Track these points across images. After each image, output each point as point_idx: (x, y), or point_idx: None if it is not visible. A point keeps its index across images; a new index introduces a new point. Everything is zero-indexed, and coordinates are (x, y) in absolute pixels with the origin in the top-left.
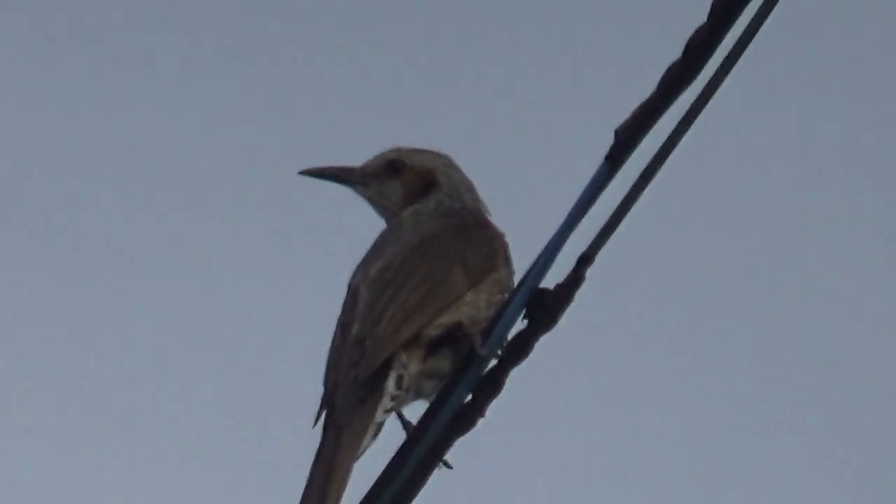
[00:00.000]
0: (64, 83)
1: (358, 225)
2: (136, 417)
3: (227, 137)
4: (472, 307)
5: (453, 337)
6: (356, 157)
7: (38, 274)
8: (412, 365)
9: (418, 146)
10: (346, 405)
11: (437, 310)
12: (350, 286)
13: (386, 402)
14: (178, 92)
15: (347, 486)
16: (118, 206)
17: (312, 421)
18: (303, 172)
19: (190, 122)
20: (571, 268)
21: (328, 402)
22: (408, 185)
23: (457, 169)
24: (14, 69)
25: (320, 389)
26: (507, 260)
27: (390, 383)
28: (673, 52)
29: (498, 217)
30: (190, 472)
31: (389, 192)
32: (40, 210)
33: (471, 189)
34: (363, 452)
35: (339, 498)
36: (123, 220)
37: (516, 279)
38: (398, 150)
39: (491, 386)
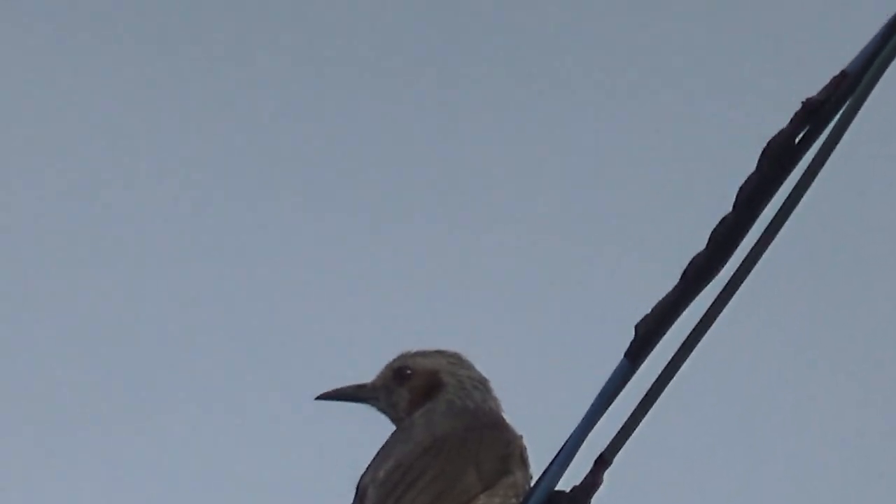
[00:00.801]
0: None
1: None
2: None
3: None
4: None
5: None
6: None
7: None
8: None
9: (425, 348)
10: None
11: None
12: (358, 487)
13: None
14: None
15: None
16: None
17: None
18: (319, 398)
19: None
20: (588, 469)
21: None
22: (414, 389)
23: (466, 366)
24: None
25: None
26: (523, 462)
27: None
28: (697, 243)
29: (513, 414)
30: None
31: (398, 400)
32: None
33: (482, 385)
34: None
35: None
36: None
37: (532, 480)
38: (402, 357)
39: None
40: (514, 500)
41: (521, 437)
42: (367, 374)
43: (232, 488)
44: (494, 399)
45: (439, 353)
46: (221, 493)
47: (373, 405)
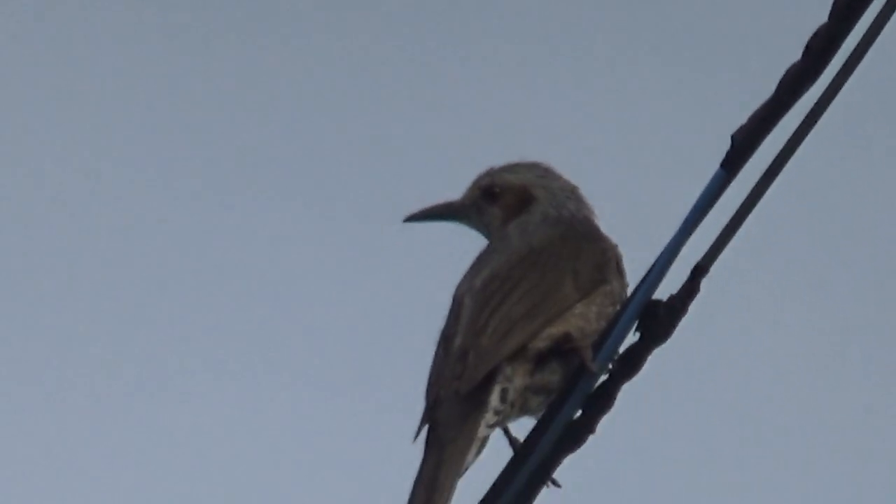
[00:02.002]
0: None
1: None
2: (239, 428)
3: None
4: (582, 319)
5: (562, 350)
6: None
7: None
8: (517, 378)
9: (510, 162)
10: (449, 420)
11: (545, 321)
12: (455, 297)
13: (489, 417)
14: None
15: (451, 502)
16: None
17: (413, 435)
18: (407, 219)
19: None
20: (686, 278)
21: (430, 416)
22: (506, 206)
23: (555, 177)
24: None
25: (422, 403)
26: (619, 271)
27: (494, 397)
28: (793, 53)
29: (610, 226)
30: (291, 488)
31: (491, 219)
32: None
33: (574, 194)
34: (467, 469)
35: None
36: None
37: (629, 289)
38: (490, 174)
39: (602, 401)
40: (611, 309)
41: (616, 245)
42: (451, 193)
43: None
44: (588, 207)
45: (526, 166)
46: None
47: (464, 223)
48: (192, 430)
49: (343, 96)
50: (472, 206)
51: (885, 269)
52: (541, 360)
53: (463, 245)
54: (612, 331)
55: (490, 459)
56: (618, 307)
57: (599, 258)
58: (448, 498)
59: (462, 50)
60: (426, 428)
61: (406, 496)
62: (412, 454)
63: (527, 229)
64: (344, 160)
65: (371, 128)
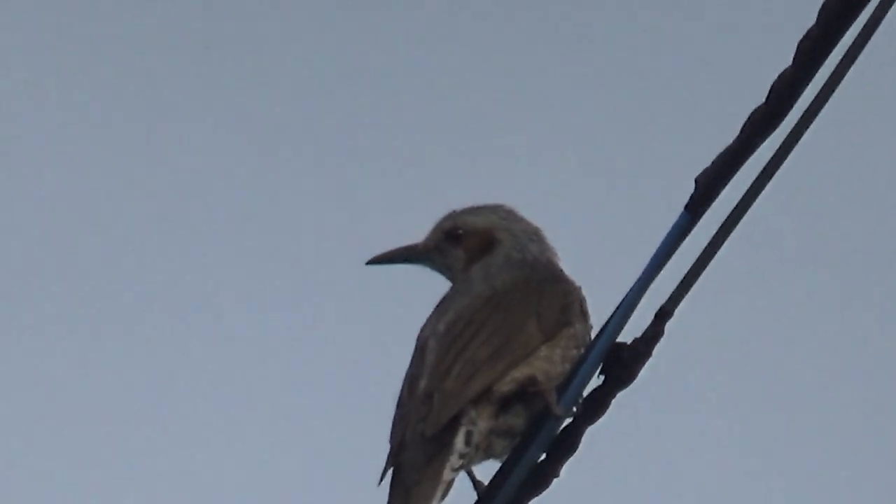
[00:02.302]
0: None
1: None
2: (191, 472)
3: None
4: (546, 362)
5: (526, 393)
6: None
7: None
8: (482, 421)
9: (473, 205)
10: (413, 463)
11: (510, 364)
12: (419, 339)
13: (454, 460)
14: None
15: None
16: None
17: (378, 479)
18: (370, 262)
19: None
20: (650, 322)
21: (395, 459)
22: (469, 248)
23: (517, 219)
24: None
25: (386, 446)
26: (583, 314)
27: (459, 440)
28: (757, 96)
29: (573, 268)
30: None
31: (454, 261)
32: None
33: (537, 236)
34: None
35: None
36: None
37: (593, 333)
38: (452, 217)
39: (566, 445)
40: (574, 351)
41: (579, 287)
42: (412, 236)
43: None
44: (551, 250)
45: (489, 208)
46: None
47: (427, 266)
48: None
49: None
50: (435, 248)
51: (855, 307)
52: (505, 403)
53: (426, 286)
54: (576, 374)
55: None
56: (581, 350)
57: (563, 300)
58: None
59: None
60: (391, 471)
61: None
62: (377, 498)
63: (490, 272)
64: (307, 200)
65: (334, 167)
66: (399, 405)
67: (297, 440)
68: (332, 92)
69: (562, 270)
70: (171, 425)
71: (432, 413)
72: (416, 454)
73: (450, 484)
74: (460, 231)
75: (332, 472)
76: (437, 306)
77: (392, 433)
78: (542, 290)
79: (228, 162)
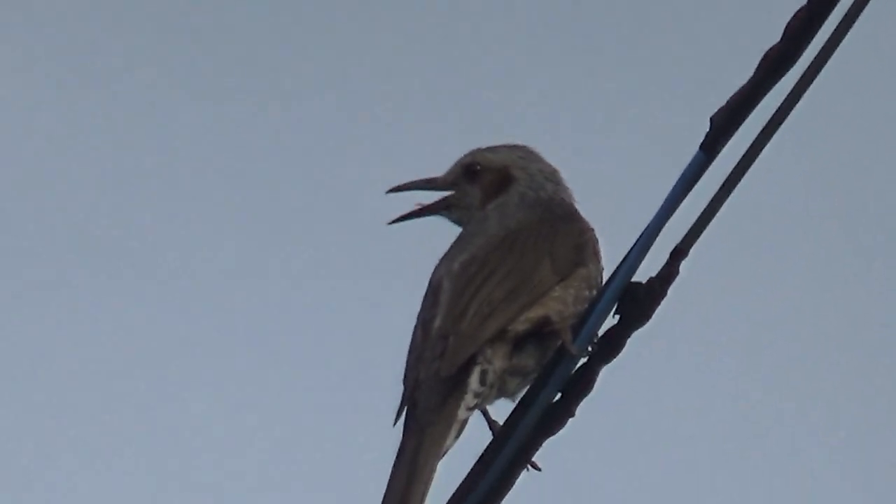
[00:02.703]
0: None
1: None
2: (216, 411)
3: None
4: (560, 302)
5: (541, 333)
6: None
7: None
8: (497, 361)
9: (493, 144)
10: (428, 402)
11: (524, 304)
12: (432, 281)
13: (469, 400)
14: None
15: (430, 488)
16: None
17: (393, 419)
18: (391, 190)
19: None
20: (665, 261)
21: (409, 399)
22: (486, 185)
23: (536, 159)
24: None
25: (400, 386)
26: (595, 254)
27: (474, 379)
28: (772, 36)
29: (589, 209)
30: (268, 473)
31: (471, 199)
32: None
33: (553, 177)
34: (446, 452)
35: (422, 500)
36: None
37: (608, 273)
38: (472, 154)
39: (581, 384)
40: (587, 293)
41: (592, 229)
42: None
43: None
44: (566, 190)
45: (508, 147)
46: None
47: (443, 213)
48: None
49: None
50: (453, 183)
51: (867, 252)
52: (519, 342)
53: (439, 233)
54: (591, 313)
55: (469, 443)
56: (594, 291)
57: (577, 240)
58: (428, 481)
59: (446, 35)
60: (405, 411)
61: (385, 479)
62: (392, 438)
63: (505, 212)
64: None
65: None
66: (413, 346)
67: (312, 383)
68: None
69: (577, 211)
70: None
71: (448, 353)
72: (430, 394)
73: (464, 423)
74: (478, 167)
75: (346, 414)
76: (452, 246)
77: (406, 374)
78: (557, 231)
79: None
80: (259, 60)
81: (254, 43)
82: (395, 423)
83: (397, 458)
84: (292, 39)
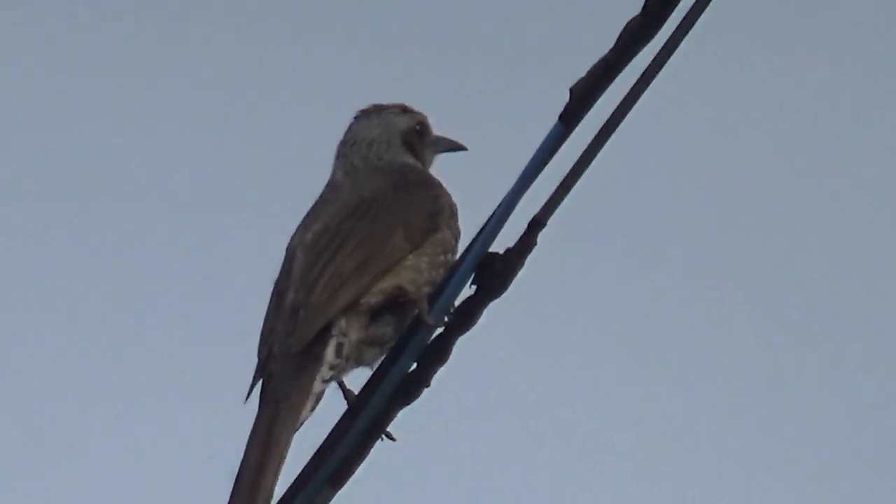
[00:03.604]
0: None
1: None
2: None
3: None
4: (413, 271)
5: (397, 303)
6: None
7: None
8: (352, 332)
9: (369, 105)
10: (283, 376)
11: (376, 275)
12: (287, 249)
13: (325, 372)
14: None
15: (286, 460)
16: None
17: (245, 394)
18: None
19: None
20: (523, 231)
21: (263, 372)
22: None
23: (392, 122)
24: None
25: (254, 361)
26: (452, 218)
27: (329, 352)
28: (632, 7)
29: (447, 178)
30: (120, 453)
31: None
32: None
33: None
34: (302, 424)
35: (277, 472)
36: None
37: (465, 242)
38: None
39: (437, 354)
40: (442, 258)
41: (449, 195)
42: None
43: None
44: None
45: (371, 110)
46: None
47: None
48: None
49: None
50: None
51: (723, 225)
52: (375, 313)
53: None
54: (448, 283)
55: (325, 412)
56: (450, 256)
57: (431, 206)
58: (282, 454)
59: None
60: (262, 385)
61: (241, 454)
62: (248, 413)
63: (357, 178)
64: None
65: None
66: (266, 318)
67: (163, 354)
68: None
69: (432, 177)
70: None
71: (299, 327)
72: (285, 367)
73: (320, 395)
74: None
75: (199, 389)
76: (307, 214)
77: (260, 347)
78: (411, 197)
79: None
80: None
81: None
82: (247, 398)
83: (252, 431)
84: None
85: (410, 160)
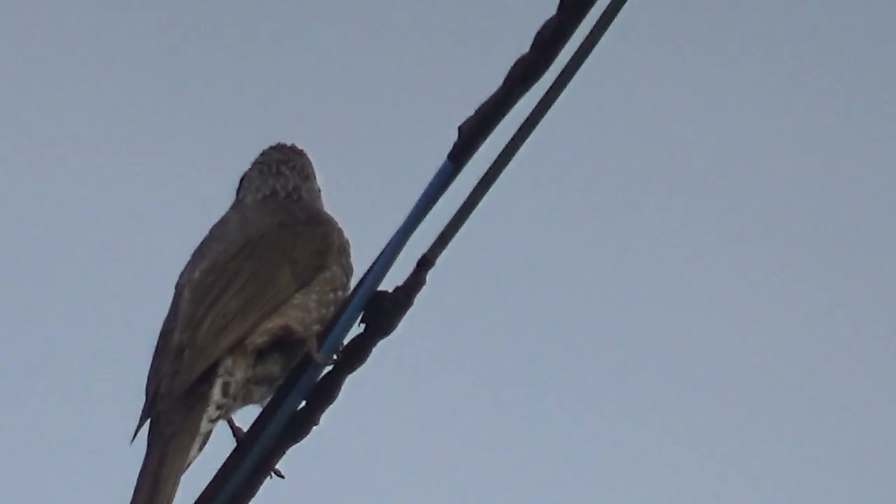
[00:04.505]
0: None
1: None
2: None
3: None
4: (300, 310)
5: (286, 341)
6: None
7: None
8: (238, 372)
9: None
10: (170, 416)
11: (261, 316)
12: (177, 286)
13: (211, 412)
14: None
15: (174, 500)
16: None
17: (132, 435)
18: None
19: None
20: (411, 270)
21: (150, 412)
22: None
23: (282, 159)
24: None
25: (142, 401)
26: (340, 254)
27: (216, 391)
28: (521, 45)
29: (337, 216)
30: (14, 490)
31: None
32: None
33: (302, 175)
34: (189, 464)
35: None
36: None
37: (355, 280)
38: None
39: (326, 392)
40: (332, 295)
41: (340, 229)
42: None
43: None
44: (313, 190)
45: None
46: None
47: None
48: None
49: None
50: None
51: (610, 255)
52: (262, 352)
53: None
54: (336, 322)
55: (214, 449)
56: (340, 293)
57: (319, 244)
58: (170, 494)
59: None
60: (149, 425)
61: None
62: (137, 454)
63: (245, 215)
64: None
65: None
66: (154, 357)
67: (51, 401)
68: None
69: (321, 212)
70: None
71: (184, 368)
72: (172, 407)
73: (208, 435)
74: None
75: (85, 430)
76: (196, 251)
77: (147, 387)
78: (297, 235)
79: None
80: None
81: None
82: (133, 438)
83: (141, 472)
84: None
85: (300, 194)
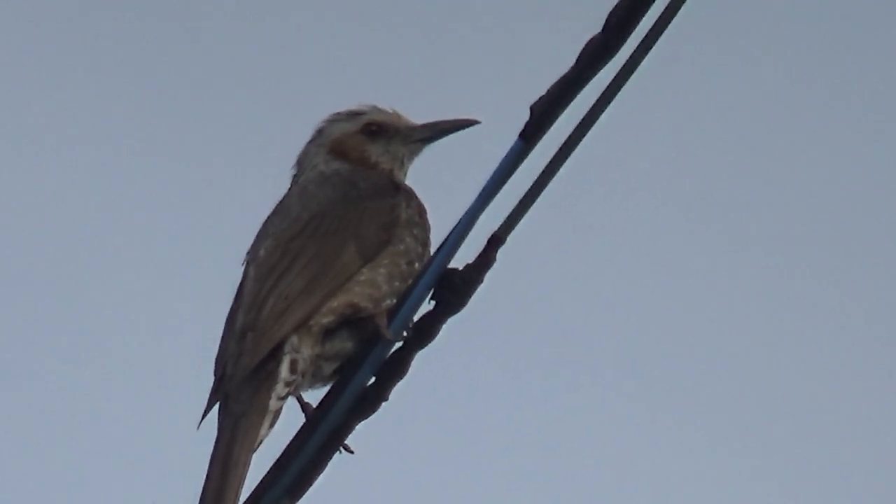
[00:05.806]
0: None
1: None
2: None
3: None
4: (368, 286)
5: (354, 318)
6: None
7: None
8: (305, 349)
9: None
10: (239, 395)
11: (326, 294)
12: (246, 262)
13: (280, 389)
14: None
15: (244, 479)
16: None
17: (200, 417)
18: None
19: None
20: (482, 248)
21: (219, 393)
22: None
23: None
24: None
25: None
26: (411, 226)
27: (283, 369)
28: (593, 26)
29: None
30: (87, 478)
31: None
32: None
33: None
34: (261, 442)
35: (238, 491)
36: None
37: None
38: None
39: (395, 369)
40: (405, 267)
41: (411, 198)
42: None
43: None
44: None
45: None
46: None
47: None
48: None
49: None
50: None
51: (687, 238)
52: (328, 331)
53: None
54: (406, 299)
55: (284, 425)
56: (416, 265)
57: (385, 217)
58: (242, 472)
59: None
60: (219, 406)
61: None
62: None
63: (307, 190)
64: None
65: None
66: (222, 338)
67: (122, 378)
68: None
69: (390, 182)
70: None
71: (247, 350)
72: (240, 386)
73: (278, 412)
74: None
75: (158, 414)
76: (263, 225)
77: (215, 367)
78: (363, 209)
79: None
80: None
81: None
82: (201, 422)
83: (213, 451)
84: None
85: (349, 167)
